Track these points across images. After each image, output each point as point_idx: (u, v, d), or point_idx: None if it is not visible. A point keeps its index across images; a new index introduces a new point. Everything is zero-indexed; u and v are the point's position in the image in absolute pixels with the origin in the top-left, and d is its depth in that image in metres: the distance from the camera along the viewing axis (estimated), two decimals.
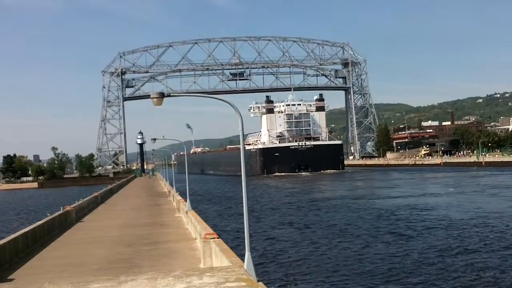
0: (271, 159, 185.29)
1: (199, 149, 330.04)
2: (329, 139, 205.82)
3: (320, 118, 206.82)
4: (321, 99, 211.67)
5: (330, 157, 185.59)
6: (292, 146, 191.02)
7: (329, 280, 29.10)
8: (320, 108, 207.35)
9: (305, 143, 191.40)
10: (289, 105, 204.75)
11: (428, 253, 34.99)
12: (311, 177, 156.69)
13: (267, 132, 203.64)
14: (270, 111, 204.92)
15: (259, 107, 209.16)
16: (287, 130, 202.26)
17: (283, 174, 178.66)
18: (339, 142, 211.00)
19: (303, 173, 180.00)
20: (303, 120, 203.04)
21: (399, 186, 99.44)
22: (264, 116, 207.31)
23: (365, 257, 34.57)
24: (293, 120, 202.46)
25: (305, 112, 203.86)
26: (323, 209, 65.67)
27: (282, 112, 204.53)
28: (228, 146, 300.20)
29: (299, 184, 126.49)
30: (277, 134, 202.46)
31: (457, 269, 30.17)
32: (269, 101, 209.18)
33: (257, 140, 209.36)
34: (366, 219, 53.37)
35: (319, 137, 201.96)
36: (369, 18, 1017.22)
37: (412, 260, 32.95)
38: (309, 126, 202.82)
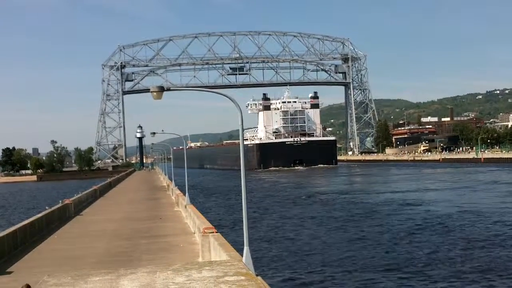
0: (267, 154, 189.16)
1: (198, 144, 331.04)
2: (323, 135, 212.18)
3: (314, 115, 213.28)
4: (315, 96, 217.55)
5: (323, 153, 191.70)
6: (288, 141, 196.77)
7: (328, 273, 29.18)
8: (314, 106, 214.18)
9: (300, 139, 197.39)
10: (285, 102, 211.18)
11: (425, 247, 35.10)
12: (306, 172, 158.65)
13: (263, 128, 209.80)
14: (266, 108, 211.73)
15: (256, 104, 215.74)
16: (283, 126, 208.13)
17: (279, 168, 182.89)
18: (332, 138, 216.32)
19: (298, 167, 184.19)
20: (298, 117, 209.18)
21: (395, 182, 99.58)
22: (261, 113, 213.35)
23: (362, 251, 34.65)
24: (289, 117, 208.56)
25: (300, 109, 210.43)
26: (319, 202, 65.82)
27: (278, 109, 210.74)
28: (225, 141, 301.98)
29: (295, 178, 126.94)
30: (273, 130, 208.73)
31: (447, 262, 30.29)
32: (266, 98, 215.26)
33: (254, 136, 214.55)
34: (361, 214, 53.45)
35: (313, 133, 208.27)
36: (370, 14, 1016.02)
37: (408, 255, 33.04)
38: (304, 122, 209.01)
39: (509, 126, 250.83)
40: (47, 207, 36.40)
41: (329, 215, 54.49)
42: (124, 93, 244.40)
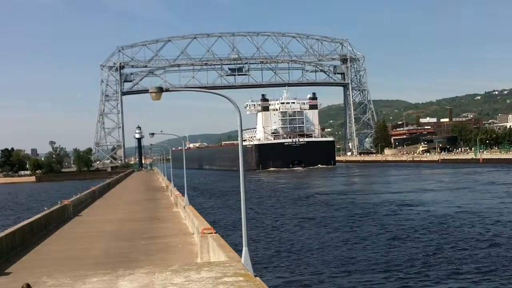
0: (266, 155, 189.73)
1: (197, 144, 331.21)
2: (322, 136, 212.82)
3: (313, 115, 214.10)
4: (314, 97, 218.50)
5: (322, 153, 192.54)
6: (286, 142, 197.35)
7: (327, 273, 29.18)
8: (313, 106, 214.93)
9: (298, 140, 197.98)
10: (283, 103, 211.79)
11: (424, 248, 35.12)
12: (304, 172, 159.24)
13: (262, 129, 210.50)
14: (265, 108, 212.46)
15: (254, 104, 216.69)
16: (282, 127, 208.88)
17: (277, 169, 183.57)
18: (330, 139, 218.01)
19: (297, 168, 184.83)
20: (296, 117, 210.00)
21: (394, 183, 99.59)
22: (259, 114, 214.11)
23: (361, 251, 34.66)
24: (287, 118, 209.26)
25: (298, 110, 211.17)
26: (318, 203, 65.80)
27: (277, 110, 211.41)
28: (223, 142, 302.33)
29: (293, 178, 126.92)
30: (272, 131, 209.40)
31: (442, 263, 30.32)
32: (264, 99, 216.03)
33: (252, 137, 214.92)
34: (360, 214, 53.46)
35: (312, 134, 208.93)
36: (369, 15, 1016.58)
37: (407, 255, 33.05)
38: (303, 123, 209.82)
39: (508, 126, 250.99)
40: (45, 208, 36.37)
41: (328, 215, 54.50)
42: (123, 93, 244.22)
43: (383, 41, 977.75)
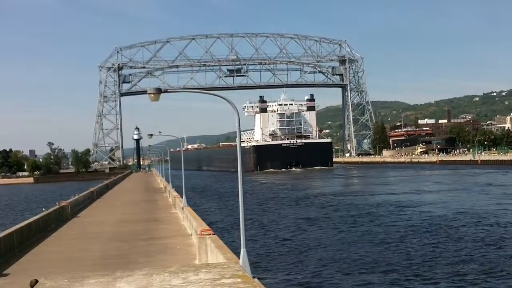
0: (264, 156, 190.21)
1: (195, 146, 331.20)
2: (319, 138, 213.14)
3: (310, 117, 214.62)
4: (311, 99, 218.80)
5: (320, 155, 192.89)
6: (284, 144, 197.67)
7: (325, 274, 29.18)
8: (310, 108, 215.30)
9: (296, 141, 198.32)
10: (281, 104, 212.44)
11: (421, 249, 35.16)
12: (302, 174, 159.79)
13: (260, 130, 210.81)
14: (263, 110, 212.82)
15: (252, 106, 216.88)
16: (279, 128, 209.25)
17: (275, 170, 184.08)
18: (328, 140, 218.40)
19: (296, 169, 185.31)
20: (294, 119, 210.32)
21: (392, 184, 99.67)
22: (257, 115, 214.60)
23: (359, 252, 34.68)
24: (285, 119, 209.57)
25: (296, 111, 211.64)
26: (316, 204, 65.82)
27: (274, 111, 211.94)
28: (221, 143, 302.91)
29: (291, 180, 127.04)
30: (270, 132, 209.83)
31: (439, 262, 30.35)
32: (262, 100, 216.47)
33: (250, 138, 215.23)
34: (358, 215, 53.49)
35: (309, 135, 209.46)
36: (368, 15, 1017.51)
37: (405, 256, 33.07)
38: (300, 125, 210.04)
39: (506, 128, 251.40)
40: (43, 209, 36.31)
41: (325, 216, 54.52)
42: (121, 94, 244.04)
43: (382, 42, 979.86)
